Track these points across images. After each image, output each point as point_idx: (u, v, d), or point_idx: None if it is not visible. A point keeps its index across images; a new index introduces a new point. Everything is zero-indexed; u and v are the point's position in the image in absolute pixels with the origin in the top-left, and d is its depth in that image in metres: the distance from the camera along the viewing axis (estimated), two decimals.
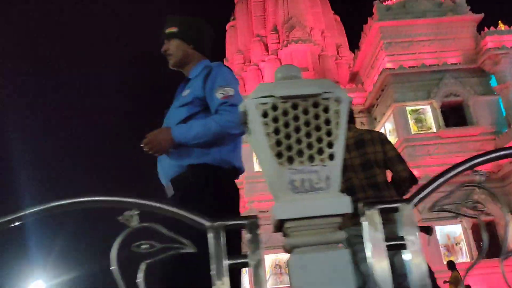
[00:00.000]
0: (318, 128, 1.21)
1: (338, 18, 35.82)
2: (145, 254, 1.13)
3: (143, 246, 1.11)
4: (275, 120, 1.20)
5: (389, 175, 3.37)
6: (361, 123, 24.22)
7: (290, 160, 1.19)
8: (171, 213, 1.20)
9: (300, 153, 1.20)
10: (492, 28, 21.53)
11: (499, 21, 22.41)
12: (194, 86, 2.21)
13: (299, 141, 1.20)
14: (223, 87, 2.15)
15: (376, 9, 22.77)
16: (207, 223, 1.17)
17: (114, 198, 1.17)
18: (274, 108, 1.20)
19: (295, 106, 1.21)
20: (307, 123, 1.21)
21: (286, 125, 1.20)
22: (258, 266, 1.15)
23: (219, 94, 2.13)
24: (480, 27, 22.32)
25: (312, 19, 32.65)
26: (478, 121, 20.24)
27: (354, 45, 34.61)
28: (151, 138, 2.06)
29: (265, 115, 1.20)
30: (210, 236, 1.15)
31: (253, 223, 1.19)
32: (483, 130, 20.10)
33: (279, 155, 1.19)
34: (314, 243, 1.16)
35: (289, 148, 1.19)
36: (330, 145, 1.21)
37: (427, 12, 22.49)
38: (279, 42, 31.54)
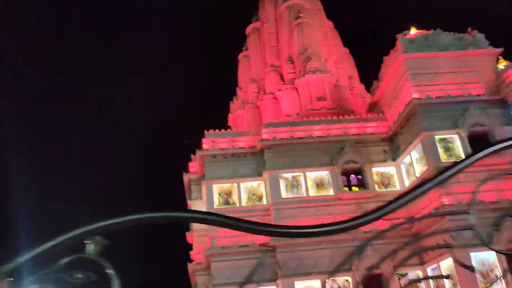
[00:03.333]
0: None
1: (348, 51, 36.89)
2: None
3: None
4: None
5: None
6: (383, 151, 24.73)
7: None
8: None
9: None
10: None
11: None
12: None
13: None
14: None
15: (399, 41, 23.62)
16: None
17: None
18: None
19: None
20: None
21: None
22: None
23: None
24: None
25: (325, 51, 33.56)
26: (505, 151, 20.83)
27: (363, 77, 35.70)
28: None
29: None
30: None
31: None
32: (510, 160, 20.71)
33: None
34: None
35: None
36: None
37: (449, 46, 23.44)
38: (294, 72, 32.23)
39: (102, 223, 1.32)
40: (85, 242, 1.32)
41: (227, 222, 1.37)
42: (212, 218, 1.33)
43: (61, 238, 1.33)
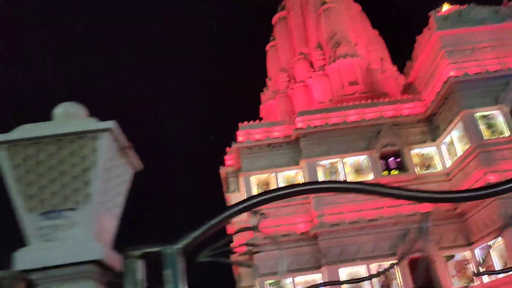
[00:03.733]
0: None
1: (377, 32, 36.20)
2: None
3: None
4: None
5: None
6: (422, 132, 24.22)
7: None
8: None
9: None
10: None
11: None
12: None
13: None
14: None
15: (433, 19, 23.00)
16: None
17: None
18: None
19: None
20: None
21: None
22: None
23: None
24: None
25: (354, 35, 33.02)
26: None
27: (394, 59, 35.01)
28: None
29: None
30: None
31: None
32: None
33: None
34: None
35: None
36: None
37: (484, 20, 22.67)
38: (324, 59, 31.88)
39: (257, 199, 1.36)
40: (248, 216, 1.40)
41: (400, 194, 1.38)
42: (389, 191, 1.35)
43: (226, 214, 1.39)
